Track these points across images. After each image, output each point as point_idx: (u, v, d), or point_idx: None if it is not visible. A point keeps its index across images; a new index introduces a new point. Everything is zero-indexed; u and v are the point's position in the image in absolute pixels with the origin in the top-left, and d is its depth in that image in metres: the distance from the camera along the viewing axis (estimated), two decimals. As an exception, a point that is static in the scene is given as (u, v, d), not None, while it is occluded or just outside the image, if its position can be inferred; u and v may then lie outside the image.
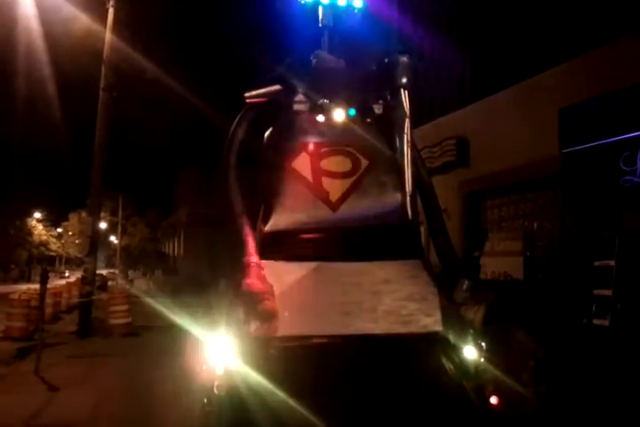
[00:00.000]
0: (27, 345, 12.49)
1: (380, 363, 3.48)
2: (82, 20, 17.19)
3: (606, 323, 8.24)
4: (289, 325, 3.46)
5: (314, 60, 4.52)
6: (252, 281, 3.48)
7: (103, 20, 17.31)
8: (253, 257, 3.79)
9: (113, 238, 72.66)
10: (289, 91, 4.34)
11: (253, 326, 3.44)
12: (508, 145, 11.20)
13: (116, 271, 52.53)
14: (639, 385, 5.74)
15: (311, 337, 3.46)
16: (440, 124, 14.29)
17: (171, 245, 60.90)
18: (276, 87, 4.39)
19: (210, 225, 35.11)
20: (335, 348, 3.48)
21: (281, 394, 3.30)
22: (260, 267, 3.61)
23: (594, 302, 8.54)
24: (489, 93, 12.48)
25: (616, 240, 8.39)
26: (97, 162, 16.96)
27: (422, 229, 4.65)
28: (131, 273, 55.23)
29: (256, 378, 3.36)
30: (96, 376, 9.80)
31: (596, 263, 8.64)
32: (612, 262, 8.38)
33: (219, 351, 3.53)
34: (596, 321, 8.36)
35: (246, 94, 4.43)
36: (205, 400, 3.46)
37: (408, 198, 4.19)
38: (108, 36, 17.16)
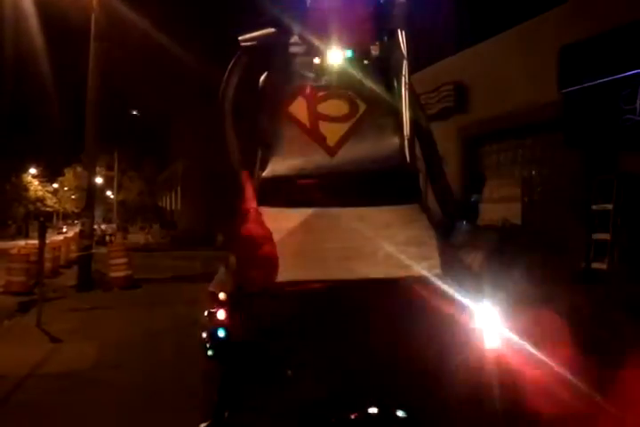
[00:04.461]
0: (27, 299, 12.61)
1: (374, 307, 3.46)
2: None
3: (604, 267, 8.30)
4: (289, 270, 3.45)
5: (308, 1, 4.38)
6: (250, 226, 3.45)
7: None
8: (251, 203, 3.75)
9: (109, 193, 72.63)
10: (284, 33, 4.22)
11: (253, 272, 3.43)
12: (506, 90, 11.05)
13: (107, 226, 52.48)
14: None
15: (312, 282, 3.45)
16: (437, 69, 14.02)
17: (168, 199, 60.94)
18: (271, 30, 4.27)
19: (207, 177, 35.06)
20: (334, 292, 3.48)
21: (283, 339, 3.31)
22: (258, 213, 3.56)
23: (592, 246, 8.59)
24: (488, 37, 12.23)
25: (614, 184, 8.38)
26: (90, 115, 16.76)
27: (421, 174, 4.60)
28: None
29: (256, 323, 3.37)
30: (98, 328, 9.90)
31: (594, 207, 8.64)
32: (610, 206, 8.39)
33: (220, 300, 3.53)
34: (594, 265, 8.43)
35: (240, 38, 4.30)
36: (208, 346, 3.47)
37: (406, 142, 4.11)
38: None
